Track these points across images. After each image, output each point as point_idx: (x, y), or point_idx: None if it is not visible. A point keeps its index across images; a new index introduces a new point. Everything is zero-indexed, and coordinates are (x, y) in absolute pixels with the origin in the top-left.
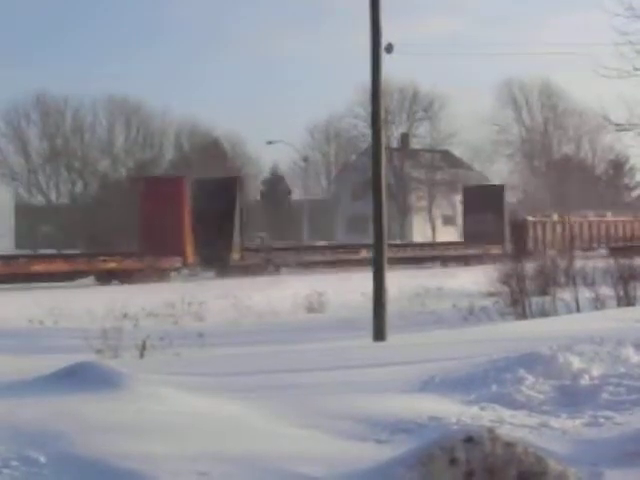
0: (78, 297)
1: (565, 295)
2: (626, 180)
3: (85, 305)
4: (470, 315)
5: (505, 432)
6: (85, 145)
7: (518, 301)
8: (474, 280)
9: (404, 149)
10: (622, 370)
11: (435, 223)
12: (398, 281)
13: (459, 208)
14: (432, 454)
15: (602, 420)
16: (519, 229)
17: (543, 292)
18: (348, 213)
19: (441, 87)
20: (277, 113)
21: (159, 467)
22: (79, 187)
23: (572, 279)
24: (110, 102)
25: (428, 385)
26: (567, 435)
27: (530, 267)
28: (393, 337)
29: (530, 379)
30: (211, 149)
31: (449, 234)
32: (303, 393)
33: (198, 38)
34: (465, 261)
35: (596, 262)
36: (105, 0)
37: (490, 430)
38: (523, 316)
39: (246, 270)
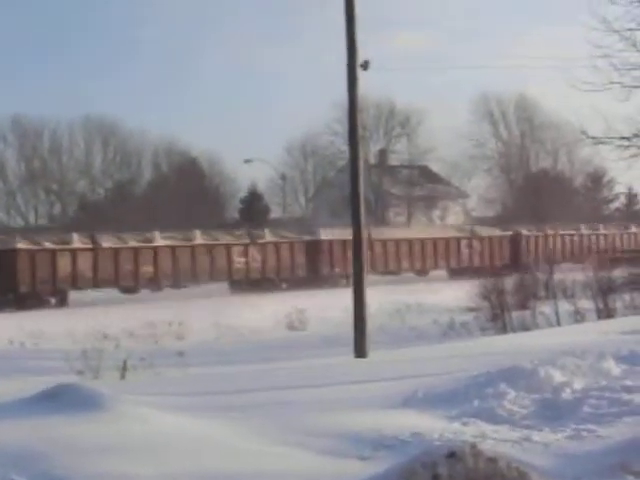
0: (59, 319)
1: (545, 308)
2: (605, 193)
3: (65, 326)
4: (450, 330)
5: (487, 447)
6: (63, 166)
7: (498, 315)
8: (454, 295)
9: (382, 165)
10: (604, 383)
11: None
12: (378, 297)
13: (437, 223)
14: (414, 470)
15: (584, 433)
16: None
17: (523, 306)
18: None
19: (418, 103)
20: (254, 131)
21: None
22: (57, 208)
23: (552, 292)
24: (87, 122)
25: (410, 401)
26: (549, 449)
27: (510, 282)
28: (374, 353)
29: (512, 393)
30: (189, 168)
31: None
32: (284, 411)
33: (174, 58)
34: None
35: (575, 275)
36: (81, 21)
37: (472, 445)
38: (504, 330)
39: None
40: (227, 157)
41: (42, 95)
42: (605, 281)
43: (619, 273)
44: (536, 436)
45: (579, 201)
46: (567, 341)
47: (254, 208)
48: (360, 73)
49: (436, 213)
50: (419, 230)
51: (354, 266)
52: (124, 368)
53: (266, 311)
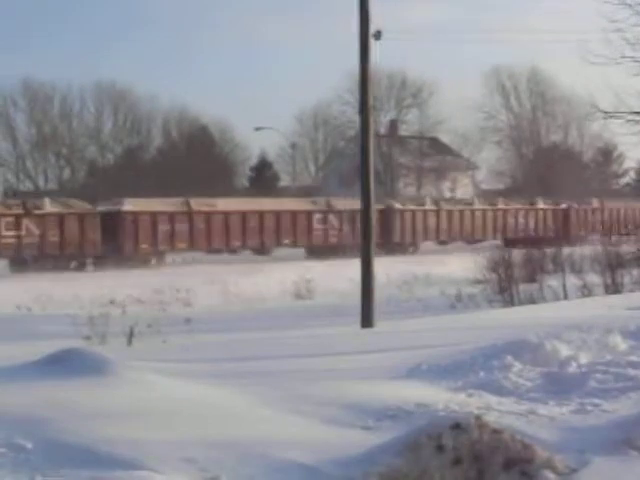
0: (66, 283)
1: (553, 282)
2: (614, 167)
3: (72, 292)
4: (458, 302)
5: (492, 419)
6: (73, 131)
7: (506, 288)
8: (462, 267)
9: (392, 136)
10: (609, 358)
11: None
12: (386, 268)
13: (447, 195)
14: (419, 441)
15: (589, 407)
16: None
17: (531, 279)
18: None
19: (430, 74)
20: (265, 99)
21: (146, 453)
22: (67, 173)
23: (560, 267)
24: (98, 88)
25: (415, 372)
26: (554, 422)
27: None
28: (381, 324)
29: (518, 366)
30: (199, 135)
31: None
32: (290, 379)
33: (186, 24)
34: None
35: (584, 250)
36: None
37: (477, 417)
38: (511, 303)
39: None
40: (238, 125)
41: (52, 59)
42: (613, 256)
43: (627, 248)
44: (541, 409)
45: (589, 175)
46: (574, 315)
47: (264, 176)
48: (372, 43)
49: (446, 184)
50: (258, 202)
51: (362, 236)
52: (131, 334)
53: (271, 279)
